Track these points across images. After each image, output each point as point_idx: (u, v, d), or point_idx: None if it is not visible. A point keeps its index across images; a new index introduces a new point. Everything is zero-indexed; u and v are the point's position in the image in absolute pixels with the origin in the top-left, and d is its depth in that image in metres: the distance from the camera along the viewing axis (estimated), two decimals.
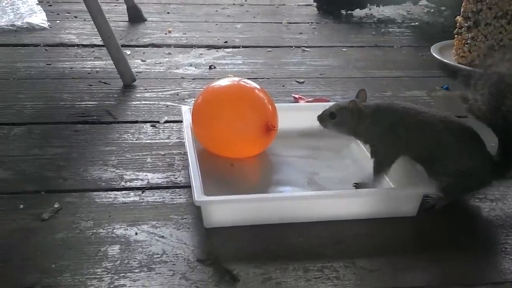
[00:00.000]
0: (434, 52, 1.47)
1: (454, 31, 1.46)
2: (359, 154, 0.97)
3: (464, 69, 1.39)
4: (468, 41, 1.41)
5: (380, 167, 0.85)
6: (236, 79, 0.99)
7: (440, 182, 0.82)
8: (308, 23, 1.82)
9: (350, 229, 0.79)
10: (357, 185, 0.86)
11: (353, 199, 0.82)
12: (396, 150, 0.85)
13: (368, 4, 1.94)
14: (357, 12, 1.94)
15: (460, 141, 0.83)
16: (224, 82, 0.98)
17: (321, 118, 0.87)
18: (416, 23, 1.86)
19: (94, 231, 0.77)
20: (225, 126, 0.91)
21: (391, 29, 1.79)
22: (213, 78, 1.31)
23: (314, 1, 1.97)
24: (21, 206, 0.81)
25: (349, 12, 1.94)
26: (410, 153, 0.85)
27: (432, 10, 2.00)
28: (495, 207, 0.87)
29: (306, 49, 1.57)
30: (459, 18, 1.45)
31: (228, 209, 0.79)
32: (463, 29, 1.43)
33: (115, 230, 0.77)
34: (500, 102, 0.81)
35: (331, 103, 0.91)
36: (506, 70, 0.82)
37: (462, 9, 1.43)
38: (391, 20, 1.89)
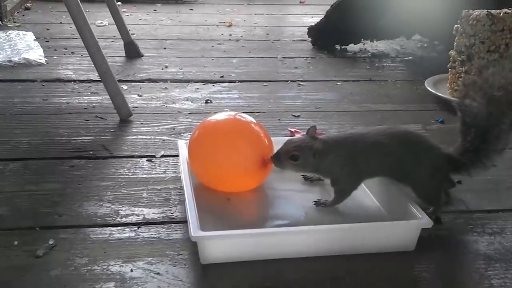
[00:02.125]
0: (429, 86, 1.48)
1: (448, 65, 1.48)
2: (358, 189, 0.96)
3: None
4: (462, 75, 1.43)
5: (344, 194, 0.89)
6: (233, 113, 1.00)
7: (419, 192, 0.87)
8: (303, 57, 1.84)
9: (346, 265, 0.79)
10: (317, 203, 0.89)
11: (349, 233, 0.81)
12: (358, 177, 0.88)
13: (362, 39, 1.96)
14: (351, 47, 1.96)
15: (410, 147, 0.87)
16: (220, 116, 0.99)
17: (278, 160, 0.87)
18: (410, 58, 1.89)
19: (89, 268, 0.76)
20: (222, 160, 0.91)
21: (385, 64, 1.81)
22: (210, 112, 1.32)
23: (309, 37, 2.00)
24: (16, 242, 0.80)
25: (343, 47, 1.96)
26: (373, 175, 0.89)
27: (425, 45, 2.03)
28: (494, 240, 0.86)
29: (302, 83, 1.58)
30: (452, 52, 1.47)
31: (224, 245, 0.78)
32: (457, 63, 1.45)
33: (110, 267, 0.76)
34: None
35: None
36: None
37: (455, 44, 1.46)
38: (385, 54, 1.92)
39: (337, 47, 1.96)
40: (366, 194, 0.95)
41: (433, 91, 1.46)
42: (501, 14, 1.38)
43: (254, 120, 0.96)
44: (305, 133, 0.88)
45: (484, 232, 0.88)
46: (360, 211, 0.91)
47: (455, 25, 1.45)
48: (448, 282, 0.76)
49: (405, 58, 1.88)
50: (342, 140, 0.88)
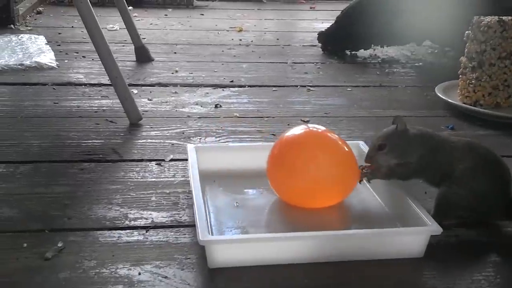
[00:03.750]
0: (439, 92, 1.48)
1: (459, 72, 1.47)
2: (365, 192, 0.96)
3: (468, 109, 1.40)
4: (473, 81, 1.42)
5: (393, 177, 0.89)
6: (310, 126, 0.96)
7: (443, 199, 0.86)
8: (313, 63, 1.84)
9: (356, 271, 0.78)
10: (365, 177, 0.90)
11: (359, 240, 0.81)
12: (419, 174, 0.89)
13: (372, 45, 1.96)
14: (362, 53, 1.96)
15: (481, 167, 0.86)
16: (297, 130, 0.94)
17: (369, 158, 0.88)
18: (420, 64, 1.88)
19: (97, 270, 0.76)
20: (310, 175, 0.89)
21: (395, 69, 1.81)
22: (219, 117, 1.32)
23: (319, 42, 2.00)
24: (25, 244, 0.80)
25: (353, 52, 1.96)
26: (426, 177, 0.90)
27: (436, 51, 2.02)
28: (504, 248, 0.86)
29: (311, 88, 1.58)
30: (463, 59, 1.46)
31: (232, 249, 0.78)
32: (468, 69, 1.44)
33: (118, 270, 0.76)
34: None
35: None
36: None
37: (466, 50, 1.45)
38: (395, 60, 1.91)
39: (347, 52, 1.96)
40: (374, 198, 0.95)
41: (443, 97, 1.45)
42: None
43: (331, 130, 0.95)
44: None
45: (492, 240, 0.88)
46: (369, 215, 0.91)
47: (466, 32, 1.44)
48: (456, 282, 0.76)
49: (416, 64, 1.87)
50: (431, 134, 0.89)
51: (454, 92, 1.49)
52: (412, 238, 0.82)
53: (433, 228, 0.80)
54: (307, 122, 1.31)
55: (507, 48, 1.39)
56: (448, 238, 0.86)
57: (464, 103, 1.44)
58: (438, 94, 1.47)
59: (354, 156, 0.92)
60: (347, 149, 0.92)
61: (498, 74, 1.40)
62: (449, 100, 1.44)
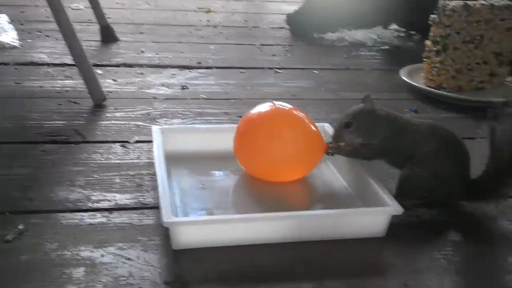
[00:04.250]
0: (403, 75, 1.49)
1: (423, 55, 1.49)
2: (328, 173, 0.97)
3: (432, 92, 1.42)
4: (437, 65, 1.44)
5: (358, 156, 0.90)
6: (273, 103, 0.96)
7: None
8: (281, 45, 1.84)
9: (319, 250, 0.79)
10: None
11: (322, 220, 0.82)
12: (383, 154, 0.90)
13: (340, 28, 1.97)
14: (329, 36, 1.97)
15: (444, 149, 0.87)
16: (263, 108, 0.95)
17: (336, 135, 0.89)
18: (386, 47, 1.90)
19: (59, 253, 0.75)
20: (272, 150, 0.90)
21: (362, 53, 1.82)
22: (186, 99, 1.31)
23: (287, 24, 2.00)
24: None
25: (321, 35, 1.96)
26: (387, 158, 0.91)
27: (401, 34, 2.04)
28: (461, 228, 0.88)
29: (279, 70, 1.58)
30: (428, 42, 1.48)
31: (197, 230, 0.78)
32: (432, 53, 1.46)
33: (80, 252, 0.75)
34: None
35: None
36: None
37: (431, 34, 1.47)
38: (362, 43, 1.93)
39: (315, 35, 1.96)
40: (337, 179, 0.96)
41: (408, 80, 1.47)
42: (477, 5, 1.40)
43: (297, 109, 0.96)
44: None
45: (452, 220, 0.90)
46: (332, 195, 0.92)
47: (432, 15, 1.46)
48: (416, 268, 0.78)
49: (382, 48, 1.89)
50: (396, 116, 0.90)
51: (419, 76, 1.51)
52: (373, 218, 0.83)
53: (394, 208, 0.82)
54: None
55: (471, 32, 1.41)
56: (409, 218, 0.88)
57: (428, 86, 1.46)
58: (403, 77, 1.48)
59: (319, 132, 0.93)
60: (312, 126, 0.93)
61: (462, 58, 1.43)
62: (413, 83, 1.46)
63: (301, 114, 0.94)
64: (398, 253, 0.80)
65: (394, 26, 2.04)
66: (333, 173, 0.97)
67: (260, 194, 0.92)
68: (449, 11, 1.40)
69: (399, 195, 0.87)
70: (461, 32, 1.41)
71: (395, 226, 0.84)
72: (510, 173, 0.86)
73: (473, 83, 1.45)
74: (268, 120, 0.93)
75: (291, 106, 0.95)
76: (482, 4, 1.40)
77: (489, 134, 0.88)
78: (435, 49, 1.45)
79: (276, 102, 0.95)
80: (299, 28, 1.96)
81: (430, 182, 0.87)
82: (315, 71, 1.60)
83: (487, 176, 0.89)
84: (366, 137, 0.88)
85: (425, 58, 1.49)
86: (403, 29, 2.05)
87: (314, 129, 0.93)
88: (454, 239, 0.86)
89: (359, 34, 2.00)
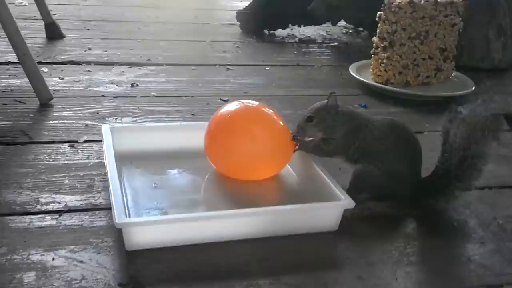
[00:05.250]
0: (352, 71, 1.52)
1: (371, 51, 1.52)
2: (283, 171, 0.98)
3: (380, 87, 1.45)
4: (384, 61, 1.47)
5: (321, 153, 0.92)
6: (243, 101, 0.96)
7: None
8: (232, 41, 1.84)
9: (274, 246, 0.80)
10: (294, 138, 0.92)
11: (275, 216, 0.82)
12: (343, 151, 0.91)
13: (290, 25, 1.98)
14: (279, 32, 1.98)
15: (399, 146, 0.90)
16: (232, 106, 0.95)
17: (299, 129, 0.90)
18: (336, 43, 1.93)
19: (8, 257, 0.72)
20: (242, 149, 0.90)
21: (312, 49, 1.84)
22: (136, 96, 1.29)
23: (237, 21, 2.00)
24: None
25: (271, 31, 1.97)
26: (346, 154, 0.92)
27: (350, 31, 2.08)
28: (413, 221, 0.90)
29: (230, 67, 1.58)
30: (375, 39, 1.51)
31: (150, 231, 0.77)
32: (379, 49, 1.49)
33: (30, 256, 0.73)
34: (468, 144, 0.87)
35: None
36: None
37: (378, 30, 1.50)
38: (311, 40, 1.95)
39: (266, 31, 1.97)
40: (291, 174, 0.97)
41: (357, 76, 1.50)
42: (422, 2, 1.43)
43: (266, 106, 0.95)
44: None
45: (403, 212, 0.92)
46: (286, 191, 0.93)
47: (378, 12, 1.49)
48: (369, 260, 0.79)
49: (331, 44, 1.92)
50: (357, 114, 0.92)
51: (367, 71, 1.54)
52: (326, 212, 0.84)
53: (346, 202, 0.83)
54: (227, 101, 1.31)
55: (416, 28, 1.44)
56: (362, 212, 0.89)
57: (376, 81, 1.49)
58: (352, 73, 1.51)
59: (288, 130, 0.94)
60: (282, 123, 0.93)
61: (408, 53, 1.46)
62: (362, 79, 1.48)
63: (269, 111, 0.95)
64: (352, 246, 0.82)
65: (342, 23, 2.07)
66: (286, 168, 0.98)
67: (217, 190, 0.92)
68: (395, 7, 1.44)
69: (352, 189, 0.88)
70: (407, 29, 1.44)
71: (348, 220, 0.85)
72: (457, 175, 0.89)
73: (420, 78, 1.49)
74: (240, 118, 0.93)
75: (259, 103, 0.96)
76: (427, 1, 1.44)
77: (442, 135, 0.91)
78: (382, 45, 1.48)
79: (243, 101, 0.95)
80: (249, 25, 1.96)
81: (384, 179, 0.89)
82: (266, 68, 1.60)
83: (436, 176, 0.91)
84: (327, 132, 0.89)
85: (373, 54, 1.52)
86: (351, 26, 2.08)
87: (283, 125, 0.94)
88: (405, 232, 0.88)
89: (309, 31, 2.02)
